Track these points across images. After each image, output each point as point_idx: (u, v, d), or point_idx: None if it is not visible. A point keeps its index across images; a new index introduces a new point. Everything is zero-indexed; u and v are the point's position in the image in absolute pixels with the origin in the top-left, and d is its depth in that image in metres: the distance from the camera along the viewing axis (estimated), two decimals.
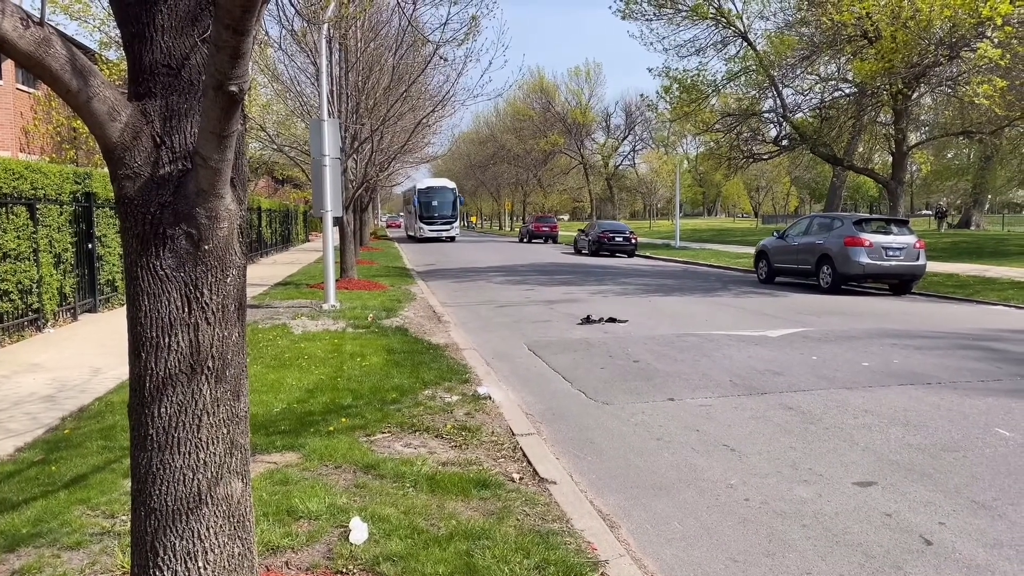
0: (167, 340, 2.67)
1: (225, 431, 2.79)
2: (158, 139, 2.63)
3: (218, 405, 2.77)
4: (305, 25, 16.17)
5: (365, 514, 4.38)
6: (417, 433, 6.18)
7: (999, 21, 19.05)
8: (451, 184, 54.81)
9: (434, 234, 51.30)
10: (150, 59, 2.64)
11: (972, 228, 48.38)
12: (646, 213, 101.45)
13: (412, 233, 56.60)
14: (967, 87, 22.19)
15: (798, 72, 28.84)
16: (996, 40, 20.34)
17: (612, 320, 12.89)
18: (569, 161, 75.54)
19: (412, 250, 39.92)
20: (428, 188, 53.11)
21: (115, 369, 8.46)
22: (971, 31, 21.04)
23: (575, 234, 41.36)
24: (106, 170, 2.75)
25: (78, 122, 22.36)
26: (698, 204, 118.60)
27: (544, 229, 52.26)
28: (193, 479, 2.71)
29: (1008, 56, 19.99)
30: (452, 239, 51.87)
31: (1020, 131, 27.63)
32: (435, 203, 52.18)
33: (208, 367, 2.73)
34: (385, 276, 21.76)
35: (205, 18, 2.66)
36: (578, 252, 37.49)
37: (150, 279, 2.66)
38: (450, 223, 52.38)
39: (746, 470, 5.57)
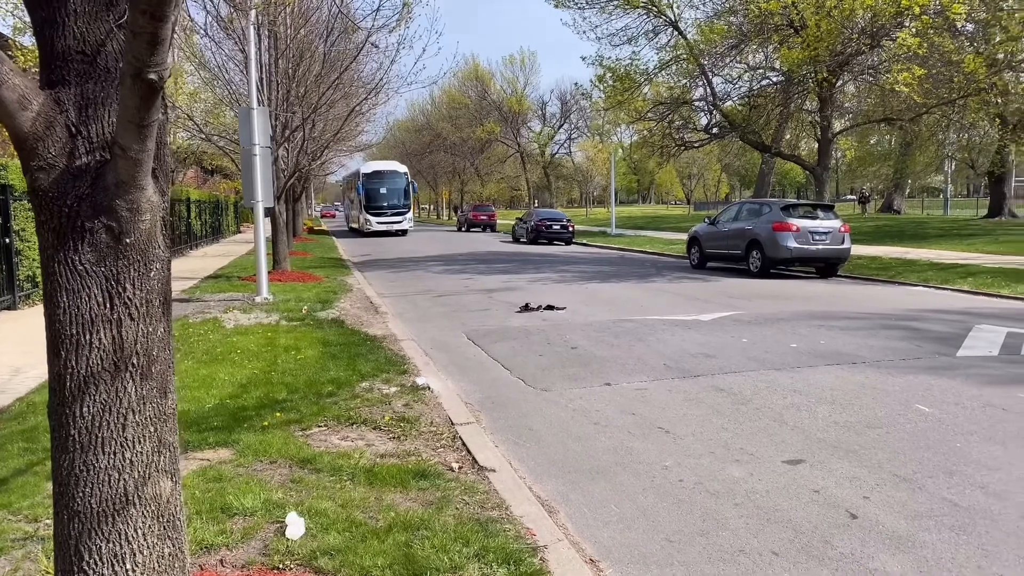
0: (88, 337, 2.58)
1: (152, 429, 2.72)
2: (73, 129, 2.53)
3: (144, 403, 2.69)
4: (232, 11, 15.75)
5: (302, 509, 4.32)
6: (354, 426, 6.12)
7: (917, 10, 19.76)
8: (402, 168, 45.52)
9: (384, 227, 42.58)
10: (63, 45, 2.53)
11: (894, 212, 50.16)
12: (583, 201, 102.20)
13: (356, 225, 47.97)
14: (888, 75, 22.96)
15: (727, 61, 29.35)
16: (914, 29, 21.09)
17: (550, 307, 12.98)
18: (506, 149, 75.58)
19: (349, 241, 39.34)
20: (376, 172, 44.10)
21: (36, 368, 8.14)
22: (891, 20, 21.76)
23: (513, 222, 41.39)
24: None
25: None
26: (633, 192, 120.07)
27: (482, 218, 52.20)
28: (119, 479, 2.63)
29: (926, 45, 20.76)
30: (404, 232, 43.60)
31: (937, 118, 28.72)
32: (384, 190, 43.32)
33: (133, 364, 2.65)
34: (320, 267, 21.45)
35: (121, 2, 2.56)
36: (516, 240, 37.57)
37: (68, 274, 2.57)
38: (402, 214, 43.59)
39: (680, 451, 5.69)
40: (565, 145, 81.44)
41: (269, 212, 16.90)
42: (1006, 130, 29.44)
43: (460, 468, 5.19)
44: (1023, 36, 23.91)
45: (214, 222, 36.97)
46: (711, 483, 5.06)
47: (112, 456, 2.62)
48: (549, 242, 35.08)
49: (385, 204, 43.25)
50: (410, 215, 44.53)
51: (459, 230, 53.68)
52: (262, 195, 14.13)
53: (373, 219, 42.81)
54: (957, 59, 21.62)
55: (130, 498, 2.65)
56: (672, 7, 30.35)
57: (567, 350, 9.52)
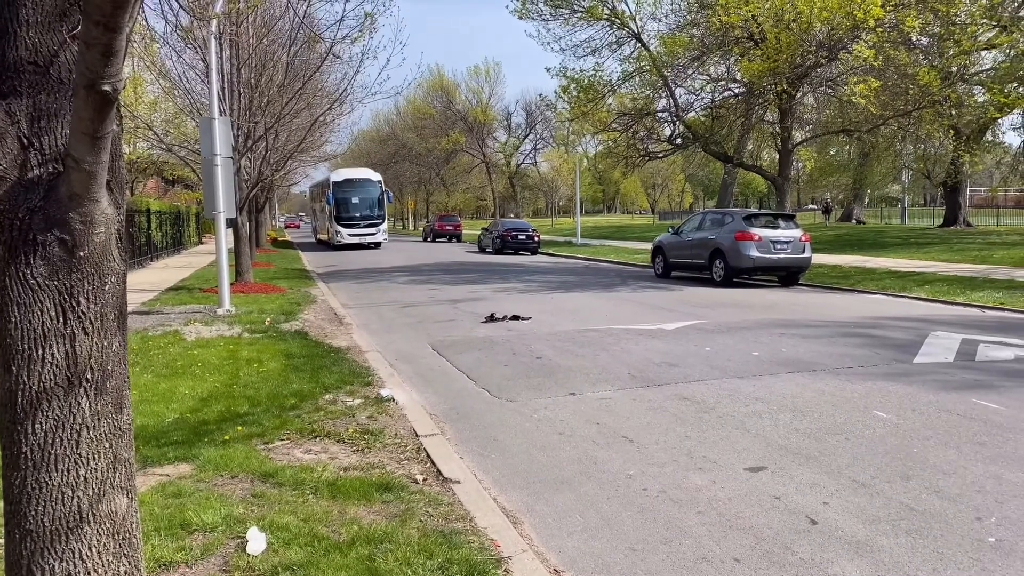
0: (40, 352, 2.53)
1: (107, 445, 2.67)
2: (25, 140, 2.49)
3: (99, 419, 2.64)
4: (192, 21, 15.59)
5: (263, 524, 4.27)
6: (318, 439, 6.07)
7: (872, 24, 20.25)
8: (376, 176, 42.24)
9: (356, 240, 39.55)
10: (14, 56, 2.49)
11: (853, 222, 51.12)
12: (548, 211, 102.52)
13: (324, 237, 44.90)
14: (845, 87, 23.45)
15: (690, 72, 29.78)
16: (870, 42, 21.60)
17: (516, 318, 12.99)
18: (471, 160, 75.58)
19: (314, 253, 38.95)
20: (347, 180, 40.67)
21: None
22: (847, 34, 22.26)
23: (479, 233, 41.36)
24: None
25: None
26: (598, 202, 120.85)
27: (448, 228, 52.22)
28: (73, 497, 2.58)
29: (881, 58, 21.26)
30: (378, 245, 40.57)
31: (894, 129, 29.35)
32: (356, 200, 40.08)
33: (87, 379, 2.60)
34: (283, 278, 21.24)
35: (74, 13, 2.53)
36: (482, 251, 37.58)
37: (20, 289, 2.52)
38: (376, 225, 40.44)
39: (644, 460, 5.72)
40: (531, 155, 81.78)
41: (231, 223, 16.73)
42: (960, 141, 30.16)
43: (424, 480, 5.17)
44: (975, 50, 24.60)
45: (175, 233, 36.47)
46: (674, 491, 5.10)
47: (66, 473, 2.57)
48: (515, 252, 35.16)
49: (357, 215, 40.12)
50: (384, 226, 41.49)
51: (425, 240, 53.58)
52: (224, 206, 13.98)
53: (344, 231, 39.80)
54: (912, 72, 22.15)
55: (84, 516, 2.60)
56: (635, 19, 30.73)
57: (532, 360, 9.54)
